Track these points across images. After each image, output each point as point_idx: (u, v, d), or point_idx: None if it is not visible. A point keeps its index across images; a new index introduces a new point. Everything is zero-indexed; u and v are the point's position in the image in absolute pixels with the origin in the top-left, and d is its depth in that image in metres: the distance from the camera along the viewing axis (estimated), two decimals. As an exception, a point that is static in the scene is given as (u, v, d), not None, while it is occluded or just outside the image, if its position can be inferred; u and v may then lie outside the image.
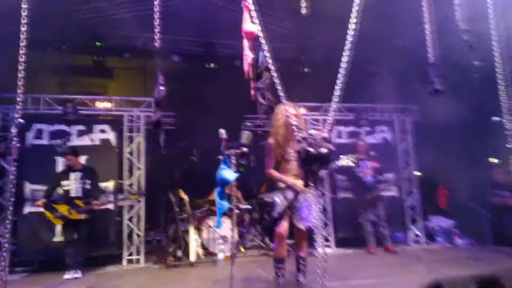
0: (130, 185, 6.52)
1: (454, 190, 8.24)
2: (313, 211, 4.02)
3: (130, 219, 6.42)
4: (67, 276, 5.29)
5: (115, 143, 6.52)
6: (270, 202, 4.07)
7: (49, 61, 7.50)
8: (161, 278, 5.40)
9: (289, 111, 3.93)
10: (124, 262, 6.22)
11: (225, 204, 3.40)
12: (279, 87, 2.73)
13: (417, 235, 7.73)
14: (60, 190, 5.66)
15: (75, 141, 6.35)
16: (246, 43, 3.49)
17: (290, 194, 4.00)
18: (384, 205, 7.09)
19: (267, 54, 3.00)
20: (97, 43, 8.19)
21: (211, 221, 6.76)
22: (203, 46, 8.66)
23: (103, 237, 6.16)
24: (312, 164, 2.25)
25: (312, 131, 2.40)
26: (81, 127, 6.41)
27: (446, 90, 4.03)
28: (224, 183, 3.34)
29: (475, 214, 7.15)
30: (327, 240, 7.28)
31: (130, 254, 6.30)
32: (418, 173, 8.28)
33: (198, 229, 6.95)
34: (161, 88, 3.50)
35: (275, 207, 4.00)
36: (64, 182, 5.60)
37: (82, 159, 6.19)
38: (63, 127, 6.36)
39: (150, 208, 7.32)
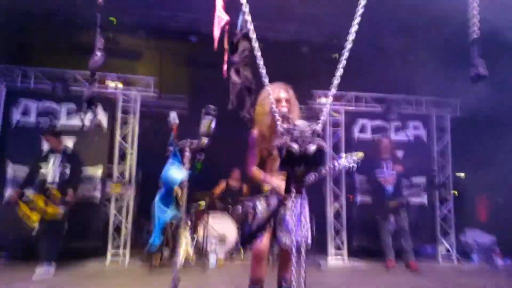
0: (122, 172, 5.93)
1: (497, 200, 7.04)
2: (302, 223, 3.18)
3: (119, 210, 5.84)
4: (37, 272, 4.74)
5: (108, 125, 5.92)
6: (251, 209, 3.27)
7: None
8: (140, 280, 4.79)
9: (277, 94, 3.10)
10: (108, 257, 5.66)
11: (169, 213, 2.65)
12: (260, 63, 1.93)
13: (448, 250, 6.63)
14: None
15: (64, 121, 5.82)
16: (218, 2, 2.67)
17: (274, 201, 3.18)
18: (408, 215, 6.04)
19: (248, 18, 2.18)
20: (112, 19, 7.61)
21: (211, 217, 6.07)
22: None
23: (86, 228, 5.62)
24: (295, 166, 1.62)
25: (299, 122, 1.70)
26: (71, 106, 5.85)
27: (492, 77, 3.04)
28: (170, 184, 2.59)
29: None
30: (339, 248, 6.37)
31: (116, 248, 5.74)
32: (461, 174, 7.13)
33: (194, 226, 6.28)
34: (98, 54, 2.83)
35: (256, 217, 3.20)
36: (43, 166, 5.06)
37: (70, 141, 5.66)
38: (52, 104, 5.83)
39: (144, 199, 6.74)
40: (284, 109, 3.03)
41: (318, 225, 6.79)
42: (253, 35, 2.13)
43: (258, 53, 2.04)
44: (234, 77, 2.64)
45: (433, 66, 7.20)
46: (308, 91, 6.90)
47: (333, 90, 1.99)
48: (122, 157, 5.98)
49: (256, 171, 3.22)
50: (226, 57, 2.72)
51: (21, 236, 5.31)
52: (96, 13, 2.89)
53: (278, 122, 1.71)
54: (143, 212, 6.89)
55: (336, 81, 1.99)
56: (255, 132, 3.23)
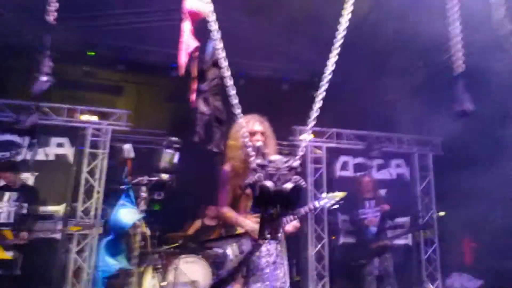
0: (85, 210, 5.46)
1: (483, 242, 6.80)
2: (279, 271, 2.84)
3: (79, 252, 5.31)
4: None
5: (73, 160, 5.52)
6: (220, 254, 2.93)
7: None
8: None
9: (251, 127, 2.85)
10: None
11: (115, 264, 2.27)
12: (232, 92, 1.68)
13: (435, 296, 6.27)
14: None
15: (26, 155, 5.39)
16: (187, 26, 2.46)
17: (248, 245, 2.84)
18: (393, 257, 5.70)
19: (219, 44, 1.95)
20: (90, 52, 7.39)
21: (182, 261, 5.58)
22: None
23: (43, 273, 5.05)
24: (269, 206, 1.43)
25: (275, 157, 1.47)
26: (35, 139, 5.45)
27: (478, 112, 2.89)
28: (119, 229, 2.24)
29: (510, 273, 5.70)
30: (321, 295, 5.95)
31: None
32: (442, 213, 6.91)
33: (164, 271, 5.77)
34: (43, 78, 2.56)
35: (226, 263, 2.85)
36: (-4, 204, 4.60)
37: (31, 177, 5.22)
38: (14, 137, 5.43)
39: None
40: (259, 143, 2.77)
41: (298, 269, 6.39)
42: (224, 62, 1.91)
43: (229, 82, 1.81)
44: (202, 107, 2.39)
45: (414, 104, 7.19)
46: (288, 127, 6.73)
47: (311, 124, 1.73)
48: (88, 194, 5.54)
49: (227, 212, 2.90)
50: (194, 86, 2.47)
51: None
52: (45, 34, 2.63)
53: (251, 157, 1.47)
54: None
55: (315, 113, 1.74)
56: (227, 168, 2.94)
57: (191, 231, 6.36)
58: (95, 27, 6.81)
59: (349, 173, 6.64)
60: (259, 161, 1.44)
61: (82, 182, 5.52)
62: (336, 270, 6.08)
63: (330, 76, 1.68)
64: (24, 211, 4.64)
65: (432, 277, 6.38)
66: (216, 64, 2.48)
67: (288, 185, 1.32)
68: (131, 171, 2.30)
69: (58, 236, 5.19)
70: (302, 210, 2.88)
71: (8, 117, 5.47)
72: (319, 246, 6.14)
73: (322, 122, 6.84)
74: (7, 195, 4.64)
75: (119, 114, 5.97)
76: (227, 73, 1.94)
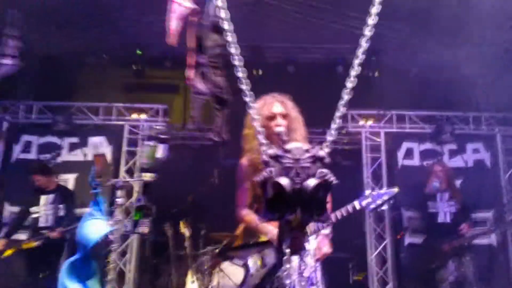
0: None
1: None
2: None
3: (121, 256, 5.12)
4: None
5: (111, 159, 5.35)
6: (241, 266, 2.41)
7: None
8: None
9: (269, 109, 2.26)
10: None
11: None
12: (241, 75, 1.19)
13: (531, 306, 5.16)
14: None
15: (66, 156, 5.33)
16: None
17: (272, 257, 2.29)
18: (473, 260, 4.73)
19: (219, 2, 1.43)
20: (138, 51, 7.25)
21: (227, 264, 5.15)
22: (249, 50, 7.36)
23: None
24: (286, 211, 1.03)
25: (293, 145, 1.08)
26: (74, 140, 5.37)
27: None
28: (85, 245, 1.78)
29: None
30: (385, 304, 5.16)
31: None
32: None
33: (210, 274, 5.40)
34: (8, 61, 2.18)
35: (247, 277, 2.32)
36: (33, 208, 4.51)
37: (71, 178, 5.13)
38: (54, 139, 5.38)
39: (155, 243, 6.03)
40: (280, 128, 2.17)
41: (359, 270, 5.68)
42: (229, 25, 1.36)
43: (236, 61, 1.27)
44: (198, 85, 1.85)
45: (493, 76, 6.02)
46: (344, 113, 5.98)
47: (342, 109, 1.17)
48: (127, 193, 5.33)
49: (247, 215, 2.36)
50: (190, 59, 1.94)
51: None
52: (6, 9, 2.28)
53: (263, 147, 1.08)
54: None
55: (346, 96, 1.18)
56: (244, 162, 2.39)
57: (239, 230, 5.91)
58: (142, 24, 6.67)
59: (414, 162, 5.72)
60: (271, 151, 1.07)
61: (131, 180, 5.32)
62: (402, 275, 5.24)
63: (362, 58, 1.18)
64: (62, 213, 4.52)
65: (525, 284, 5.26)
66: (217, 28, 1.92)
67: (311, 182, 0.99)
68: (100, 171, 1.85)
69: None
70: (338, 214, 2.24)
71: (47, 118, 5.45)
72: (380, 248, 5.34)
73: (379, 104, 6.01)
74: (43, 198, 4.53)
75: (156, 108, 5.67)
76: (232, 40, 1.40)
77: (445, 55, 6.53)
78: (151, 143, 1.71)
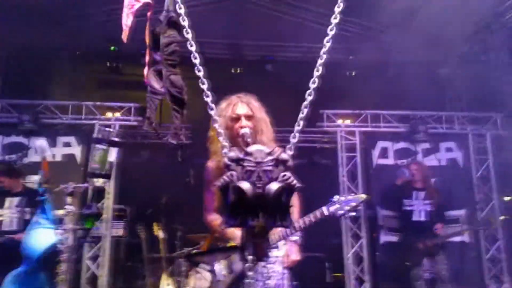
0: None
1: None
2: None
3: (93, 259, 4.97)
4: None
5: (80, 160, 5.17)
6: (208, 272, 2.33)
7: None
8: None
9: (233, 110, 2.20)
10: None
11: None
12: (198, 73, 1.19)
13: (502, 303, 5.27)
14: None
15: (33, 157, 5.12)
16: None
17: (239, 263, 2.22)
18: (448, 256, 4.77)
19: None
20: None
21: (202, 266, 5.06)
22: (228, 48, 7.26)
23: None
24: (248, 217, 1.00)
25: (255, 147, 1.05)
26: (41, 140, 5.16)
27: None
28: (31, 257, 1.67)
29: None
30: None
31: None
32: (508, 198, 5.87)
33: (186, 276, 5.30)
34: None
35: (213, 283, 2.25)
36: (-4, 211, 4.31)
37: (34, 179, 4.93)
38: (20, 138, 5.17)
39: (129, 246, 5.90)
40: (244, 130, 2.10)
41: (336, 269, 5.68)
42: (184, 21, 1.29)
43: (195, 59, 1.22)
44: (154, 83, 1.76)
45: (466, 76, 6.12)
46: (316, 112, 5.96)
47: (305, 111, 1.18)
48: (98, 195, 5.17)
49: (214, 220, 2.29)
50: (147, 57, 1.85)
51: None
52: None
53: (224, 150, 1.08)
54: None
55: (309, 97, 1.19)
56: (210, 165, 2.31)
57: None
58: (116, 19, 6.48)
59: (389, 161, 5.75)
60: (232, 154, 1.05)
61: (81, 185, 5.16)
62: (378, 274, 5.26)
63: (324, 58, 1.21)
64: (28, 216, 4.33)
65: (496, 280, 5.36)
66: (173, 23, 1.83)
67: (273, 186, 0.98)
68: (47, 175, 1.74)
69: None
70: (305, 220, 2.18)
71: (13, 117, 5.23)
72: (356, 246, 5.35)
73: (355, 103, 6.02)
74: (8, 201, 4.34)
75: (127, 106, 5.53)
76: (189, 36, 1.34)
77: (420, 55, 6.62)
78: (102, 146, 1.60)
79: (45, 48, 6.22)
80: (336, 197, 2.20)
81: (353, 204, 2.16)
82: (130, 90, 7.96)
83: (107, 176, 1.62)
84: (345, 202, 2.17)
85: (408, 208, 4.86)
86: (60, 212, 1.89)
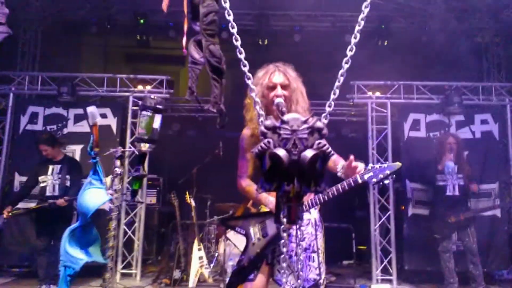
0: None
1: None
2: (312, 259, 2.29)
3: (129, 225, 5.26)
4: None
5: (116, 131, 5.38)
6: (243, 236, 2.43)
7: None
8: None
9: (269, 79, 2.23)
10: (117, 276, 5.08)
11: (82, 258, 1.85)
12: (237, 43, 1.19)
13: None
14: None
15: (72, 128, 5.37)
16: None
17: (273, 227, 2.31)
18: (477, 231, 4.73)
19: None
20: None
21: (232, 232, 5.26)
22: (255, 19, 7.17)
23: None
24: (283, 182, 1.04)
25: (291, 115, 1.07)
26: (79, 111, 5.38)
27: None
28: (85, 214, 1.81)
29: None
30: (386, 273, 5.24)
31: (127, 267, 5.15)
32: None
33: (216, 242, 5.54)
34: None
35: (247, 248, 2.35)
36: (41, 177, 4.60)
37: (77, 149, 5.19)
38: (60, 110, 5.41)
39: (162, 213, 6.17)
40: (279, 99, 2.14)
41: (360, 242, 5.75)
42: None
43: (233, 28, 1.25)
44: (194, 53, 1.80)
45: (503, 46, 5.84)
46: (345, 83, 5.87)
47: (341, 79, 1.18)
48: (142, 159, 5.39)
49: (247, 186, 2.36)
50: (186, 26, 1.89)
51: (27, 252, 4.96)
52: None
53: (260, 119, 1.11)
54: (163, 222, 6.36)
55: (345, 65, 1.18)
56: (245, 132, 2.38)
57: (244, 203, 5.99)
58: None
59: (421, 133, 5.64)
60: (268, 122, 1.06)
61: (127, 153, 5.37)
62: (405, 245, 5.30)
63: (362, 24, 1.15)
64: (68, 183, 4.61)
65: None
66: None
67: (308, 153, 0.98)
68: (98, 140, 1.86)
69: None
70: (339, 187, 2.22)
71: (52, 90, 5.46)
72: (383, 218, 5.38)
73: (386, 74, 5.89)
74: (50, 168, 4.62)
75: (160, 79, 5.64)
76: (228, 11, 1.37)
77: (456, 24, 6.33)
78: (147, 113, 1.69)
79: (76, 22, 6.38)
80: (370, 165, 2.22)
81: (387, 172, 2.17)
82: (159, 64, 8.10)
83: (153, 141, 1.71)
84: (380, 170, 2.18)
85: (441, 183, 4.77)
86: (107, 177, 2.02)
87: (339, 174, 2.18)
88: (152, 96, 1.78)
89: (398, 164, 2.23)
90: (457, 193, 4.70)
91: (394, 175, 2.24)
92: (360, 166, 2.10)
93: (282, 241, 1.41)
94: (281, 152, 1.02)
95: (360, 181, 2.20)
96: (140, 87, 5.74)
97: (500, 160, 5.53)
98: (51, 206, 4.37)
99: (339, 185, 2.21)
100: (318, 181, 1.17)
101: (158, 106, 1.73)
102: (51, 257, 4.41)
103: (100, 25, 6.47)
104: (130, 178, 1.60)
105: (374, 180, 2.17)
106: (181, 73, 7.86)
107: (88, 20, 6.39)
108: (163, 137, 6.14)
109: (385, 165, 2.19)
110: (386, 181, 2.23)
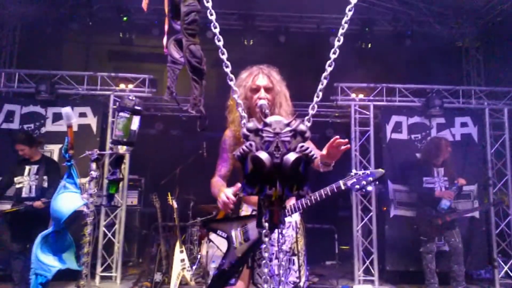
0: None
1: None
2: (292, 263, 2.28)
3: (109, 227, 5.15)
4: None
5: (96, 130, 5.26)
6: (225, 239, 2.40)
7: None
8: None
9: (253, 81, 2.20)
10: (97, 279, 4.97)
11: (52, 266, 1.79)
12: (219, 44, 1.19)
13: (509, 276, 5.33)
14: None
15: (50, 127, 5.22)
16: None
17: (254, 230, 2.29)
18: (460, 232, 4.77)
19: None
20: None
21: (214, 235, 5.20)
22: (240, 19, 7.13)
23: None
24: (266, 185, 1.03)
25: (274, 118, 1.07)
26: (58, 110, 5.23)
27: None
28: (59, 219, 1.75)
29: None
30: (368, 274, 5.28)
31: (104, 270, 5.04)
32: None
33: (199, 243, 5.48)
34: None
35: (228, 252, 2.32)
36: (17, 178, 4.45)
37: (56, 148, 5.05)
38: (38, 109, 5.26)
39: (142, 214, 6.07)
40: (262, 101, 2.11)
41: (343, 243, 5.79)
42: None
43: (215, 28, 1.23)
44: (174, 53, 1.76)
45: (483, 50, 5.97)
46: (329, 85, 5.90)
47: (324, 82, 1.18)
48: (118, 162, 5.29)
49: (215, 181, 2.30)
50: (166, 26, 1.84)
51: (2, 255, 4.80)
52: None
53: (243, 121, 1.12)
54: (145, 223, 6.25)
55: (329, 68, 1.18)
56: (227, 134, 2.35)
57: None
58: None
59: (403, 135, 5.70)
60: (251, 124, 1.06)
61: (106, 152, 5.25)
62: (387, 246, 5.35)
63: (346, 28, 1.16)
64: (46, 184, 4.47)
65: (505, 255, 5.42)
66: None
67: (291, 156, 0.98)
68: (73, 142, 1.80)
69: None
70: (321, 192, 2.21)
71: (30, 87, 5.30)
72: (366, 219, 5.42)
73: (370, 77, 5.94)
74: (27, 168, 4.47)
75: (142, 78, 5.54)
76: (209, 6, 1.34)
77: (438, 29, 6.45)
78: (125, 114, 1.63)
79: (57, 19, 6.22)
80: (353, 172, 2.21)
81: (370, 179, 2.17)
82: (142, 62, 7.97)
83: (130, 144, 1.65)
84: (363, 177, 2.18)
85: (429, 185, 4.82)
86: (84, 178, 1.96)
87: (322, 169, 2.09)
88: (130, 96, 1.72)
89: (381, 170, 2.23)
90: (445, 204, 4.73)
91: (377, 182, 2.24)
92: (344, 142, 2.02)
93: (264, 246, 1.39)
94: (263, 155, 1.00)
95: (343, 187, 2.20)
96: (122, 86, 5.63)
97: (479, 162, 5.65)
98: (28, 208, 4.23)
99: (322, 191, 2.20)
100: (300, 185, 1.15)
101: (136, 107, 1.68)
102: (26, 261, 4.25)
103: (82, 22, 6.33)
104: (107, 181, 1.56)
105: (357, 186, 2.17)
106: (164, 71, 7.74)
107: (70, 17, 6.24)
108: (145, 137, 6.09)
109: (368, 172, 2.19)
110: (369, 188, 2.21)
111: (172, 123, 6.65)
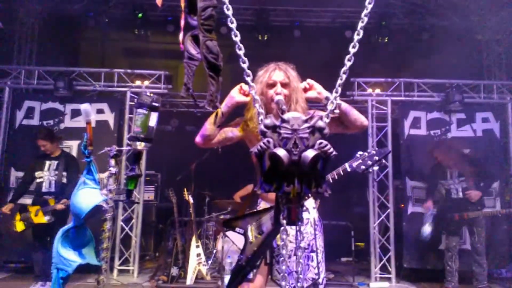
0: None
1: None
2: (311, 259, 2.26)
3: (126, 221, 5.22)
4: (32, 289, 4.24)
5: (113, 126, 5.32)
6: (242, 235, 2.39)
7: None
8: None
9: (269, 77, 2.17)
10: (115, 272, 5.05)
11: (73, 260, 1.81)
12: (236, 39, 1.17)
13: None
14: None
15: (69, 123, 5.31)
16: None
17: (268, 224, 2.26)
18: (484, 230, 4.65)
19: None
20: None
21: (238, 230, 5.21)
22: (255, 14, 7.09)
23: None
24: (284, 182, 1.01)
25: (292, 114, 1.05)
26: (76, 106, 5.32)
27: None
28: (78, 215, 1.77)
29: None
30: (385, 271, 5.22)
31: (124, 264, 5.11)
32: None
33: (214, 238, 5.51)
34: None
35: (245, 247, 2.31)
36: (37, 173, 4.54)
37: (74, 144, 5.13)
38: (56, 105, 5.34)
39: (159, 209, 6.13)
40: (279, 97, 2.08)
41: (359, 239, 5.73)
42: None
43: (232, 23, 1.22)
44: (190, 49, 1.74)
45: (504, 44, 5.79)
46: (346, 80, 5.81)
47: (343, 76, 1.16)
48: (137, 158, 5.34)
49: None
50: (182, 21, 1.83)
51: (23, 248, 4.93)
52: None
53: (260, 117, 1.10)
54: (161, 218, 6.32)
55: (348, 62, 1.15)
56: (238, 121, 2.26)
57: (238, 197, 5.95)
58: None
59: (421, 131, 5.59)
60: (268, 121, 1.05)
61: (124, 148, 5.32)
62: (404, 244, 5.27)
63: (366, 21, 1.11)
64: (65, 180, 4.55)
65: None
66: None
67: (309, 153, 0.96)
68: (92, 138, 1.81)
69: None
70: (328, 177, 2.18)
71: (49, 84, 5.39)
72: (383, 216, 5.35)
73: (387, 72, 5.84)
74: (47, 164, 4.56)
75: (158, 74, 5.57)
76: (226, 1, 1.32)
77: (457, 21, 6.27)
78: (143, 110, 1.64)
79: (74, 15, 6.30)
80: (359, 153, 2.19)
81: (376, 158, 2.13)
82: (157, 58, 8.02)
83: (148, 140, 1.66)
84: (368, 157, 2.15)
85: (446, 187, 4.73)
86: (103, 174, 1.98)
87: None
88: (148, 93, 1.72)
89: (386, 149, 2.20)
90: (461, 195, 4.64)
91: (382, 161, 2.19)
92: (317, 85, 2.02)
93: (282, 243, 1.37)
94: (281, 152, 0.98)
95: (349, 169, 2.16)
96: (138, 82, 5.68)
97: (501, 158, 5.50)
98: (47, 210, 4.32)
99: (328, 176, 2.16)
100: (319, 182, 1.13)
101: (154, 103, 1.68)
102: (47, 253, 4.37)
103: (97, 19, 6.40)
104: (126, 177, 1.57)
105: (363, 167, 2.12)
106: (180, 68, 7.80)
107: (86, 14, 6.32)
108: (161, 133, 6.13)
109: (373, 151, 2.14)
110: (375, 168, 2.19)
111: (187, 119, 6.69)
